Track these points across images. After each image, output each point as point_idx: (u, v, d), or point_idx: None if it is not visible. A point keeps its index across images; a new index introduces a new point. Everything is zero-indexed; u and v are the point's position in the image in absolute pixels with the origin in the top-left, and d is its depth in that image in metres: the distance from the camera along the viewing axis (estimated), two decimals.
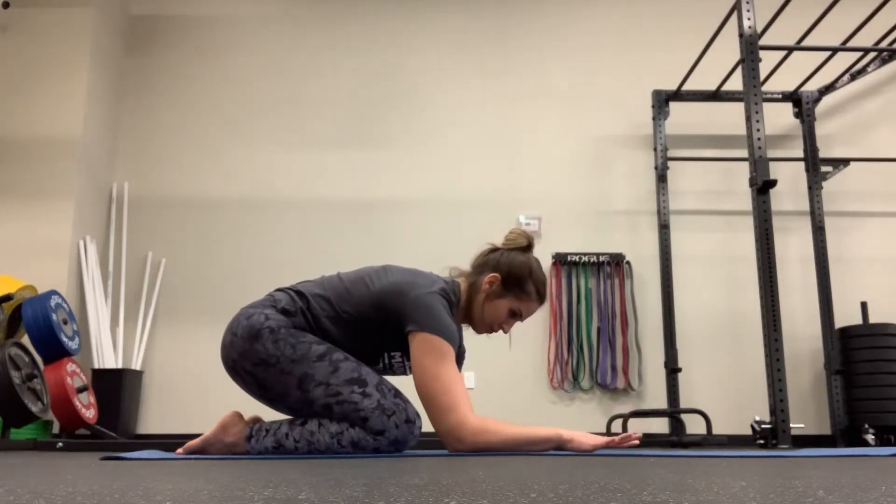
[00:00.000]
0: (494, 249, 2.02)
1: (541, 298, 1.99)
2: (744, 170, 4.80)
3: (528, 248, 2.02)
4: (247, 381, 1.89)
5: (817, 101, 4.88)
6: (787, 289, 4.69)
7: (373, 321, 1.88)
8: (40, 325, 3.58)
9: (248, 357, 1.84)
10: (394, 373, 2.02)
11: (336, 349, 1.86)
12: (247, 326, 1.86)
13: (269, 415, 1.96)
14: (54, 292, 3.76)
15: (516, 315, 1.99)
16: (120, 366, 4.47)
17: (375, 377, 1.85)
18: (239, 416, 1.93)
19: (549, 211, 4.88)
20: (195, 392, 4.58)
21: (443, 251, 4.43)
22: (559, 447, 1.81)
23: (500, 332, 2.03)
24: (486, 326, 2.01)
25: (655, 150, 4.85)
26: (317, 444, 1.80)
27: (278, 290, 1.98)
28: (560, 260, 4.75)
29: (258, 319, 1.85)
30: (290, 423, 1.85)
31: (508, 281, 1.95)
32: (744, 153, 4.67)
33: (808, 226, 4.80)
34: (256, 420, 1.93)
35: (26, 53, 4.64)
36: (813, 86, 4.87)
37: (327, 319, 1.88)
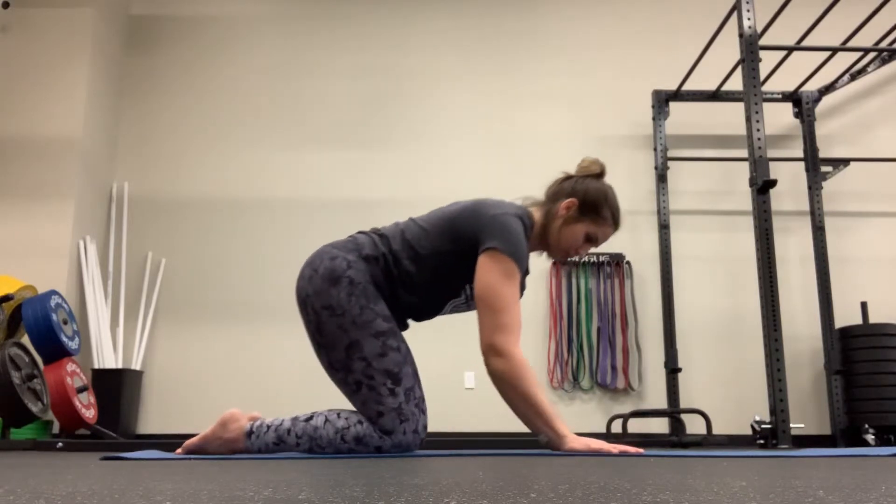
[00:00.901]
0: (569, 177, 2.04)
1: (616, 223, 2.02)
2: (744, 170, 4.80)
3: (601, 174, 2.04)
4: (309, 319, 1.89)
5: (817, 101, 4.88)
6: (787, 289, 4.69)
7: (450, 253, 1.89)
8: (40, 325, 3.58)
9: (320, 297, 1.86)
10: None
11: (395, 334, 1.86)
12: (329, 268, 1.87)
13: (269, 414, 1.96)
14: (54, 292, 3.76)
15: (592, 240, 2.01)
16: (120, 366, 4.48)
17: (411, 380, 1.85)
18: (239, 413, 1.93)
19: None
20: (195, 392, 4.59)
21: None
22: (555, 447, 1.82)
23: (575, 256, 2.04)
24: (562, 251, 2.03)
25: (655, 150, 4.85)
26: (319, 440, 1.80)
27: (361, 232, 1.99)
28: (560, 260, 4.74)
29: (341, 264, 1.86)
30: (293, 419, 1.86)
31: (585, 206, 1.97)
32: (744, 153, 4.67)
33: (808, 226, 4.80)
34: (256, 418, 1.93)
35: (26, 53, 4.65)
36: (813, 86, 4.87)
37: (408, 260, 1.89)
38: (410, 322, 2.03)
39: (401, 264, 1.90)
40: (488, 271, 1.82)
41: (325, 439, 1.80)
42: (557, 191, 2.01)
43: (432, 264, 1.90)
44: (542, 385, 1.79)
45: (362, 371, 1.82)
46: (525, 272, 1.90)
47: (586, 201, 1.97)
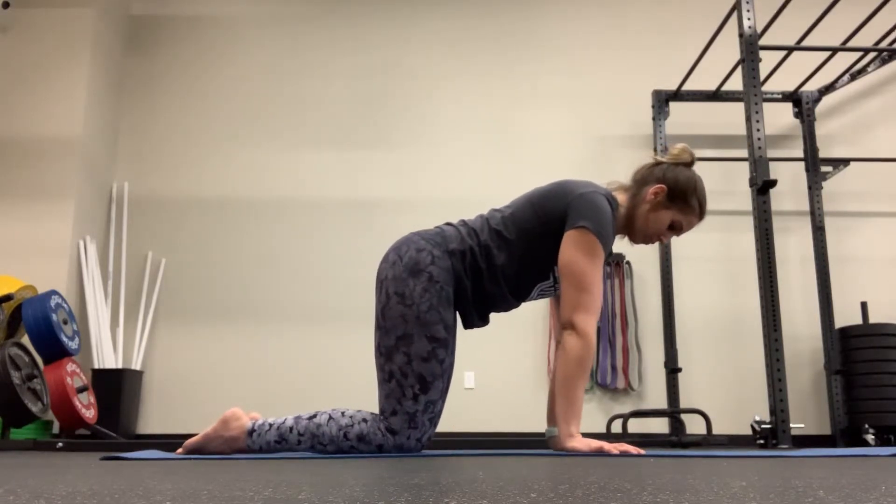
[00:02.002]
0: (658, 163, 2.04)
1: (702, 214, 2.03)
2: (744, 170, 4.80)
3: (692, 163, 2.05)
4: (380, 299, 1.91)
5: (817, 101, 4.88)
6: (787, 289, 4.69)
7: (538, 234, 1.90)
8: (40, 325, 3.58)
9: (396, 282, 1.87)
10: None
11: (447, 346, 1.86)
12: (414, 259, 1.87)
13: (270, 414, 1.96)
14: (54, 292, 3.76)
15: (676, 227, 2.02)
16: (120, 366, 4.47)
17: (437, 395, 1.86)
18: (241, 412, 1.93)
19: None
20: (195, 392, 4.59)
21: None
22: (558, 445, 1.82)
23: (658, 242, 2.06)
24: (646, 237, 2.04)
25: (655, 150, 4.85)
26: (321, 438, 1.80)
27: (448, 224, 1.99)
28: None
29: (426, 258, 1.87)
30: (296, 417, 1.86)
31: (674, 193, 1.97)
32: (744, 153, 4.67)
33: (808, 226, 4.80)
34: (256, 418, 1.93)
35: (26, 53, 4.65)
36: (813, 86, 4.87)
37: (497, 249, 1.90)
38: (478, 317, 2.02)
39: (491, 255, 1.90)
40: (574, 248, 1.84)
41: (328, 437, 1.80)
42: (646, 175, 2.02)
43: (521, 248, 1.90)
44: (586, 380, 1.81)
45: (400, 365, 1.83)
46: (609, 254, 1.90)
47: (676, 189, 1.97)
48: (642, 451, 1.79)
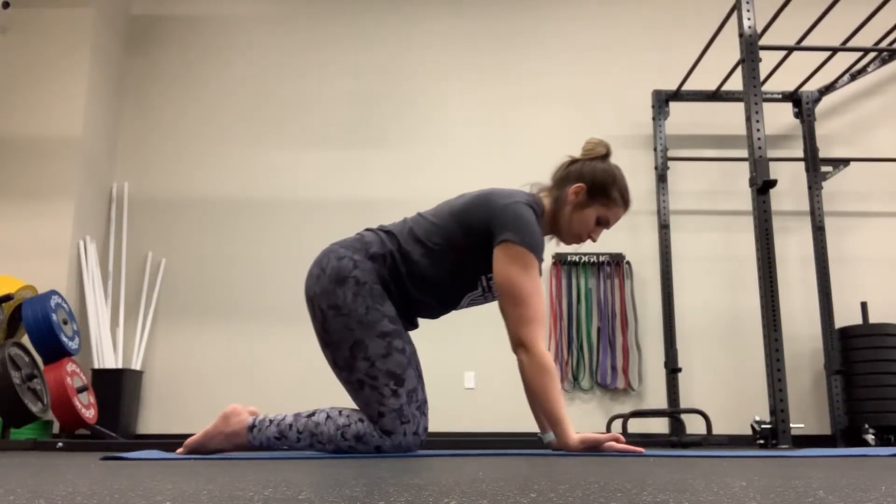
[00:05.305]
0: (574, 161, 2.02)
1: (626, 204, 2.01)
2: (744, 170, 4.80)
3: (607, 155, 2.02)
4: (316, 317, 1.89)
5: (817, 101, 4.88)
6: (787, 289, 4.69)
7: (463, 246, 1.88)
8: (40, 325, 3.58)
9: (326, 296, 1.85)
10: (494, 297, 1.99)
11: (401, 335, 1.85)
12: (336, 268, 1.86)
13: (270, 413, 1.96)
14: (54, 292, 3.76)
15: (603, 223, 2.00)
16: (120, 366, 4.48)
17: (414, 382, 1.85)
18: (241, 408, 1.93)
19: None
20: (195, 392, 4.59)
21: None
22: (557, 449, 1.83)
23: (589, 240, 2.03)
24: (574, 237, 2.02)
25: (655, 150, 4.85)
26: (320, 437, 1.81)
27: (368, 230, 1.97)
28: (560, 260, 4.75)
29: (347, 265, 1.86)
30: (295, 415, 1.86)
31: (594, 189, 1.96)
32: (744, 153, 4.67)
33: (808, 226, 4.80)
34: (255, 413, 1.93)
35: (26, 53, 4.65)
36: (813, 86, 4.87)
37: (420, 256, 1.88)
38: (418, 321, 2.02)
39: (410, 262, 1.88)
40: (506, 265, 1.81)
41: (326, 436, 1.80)
42: (564, 175, 2.00)
43: (447, 259, 1.88)
44: (557, 384, 1.81)
45: (366, 371, 1.82)
46: (541, 260, 1.89)
47: (595, 185, 1.95)
48: (639, 450, 1.79)
